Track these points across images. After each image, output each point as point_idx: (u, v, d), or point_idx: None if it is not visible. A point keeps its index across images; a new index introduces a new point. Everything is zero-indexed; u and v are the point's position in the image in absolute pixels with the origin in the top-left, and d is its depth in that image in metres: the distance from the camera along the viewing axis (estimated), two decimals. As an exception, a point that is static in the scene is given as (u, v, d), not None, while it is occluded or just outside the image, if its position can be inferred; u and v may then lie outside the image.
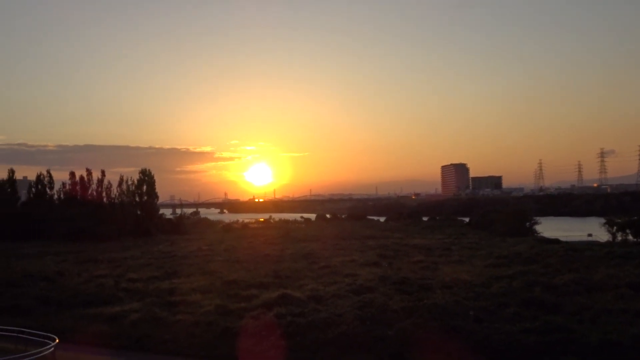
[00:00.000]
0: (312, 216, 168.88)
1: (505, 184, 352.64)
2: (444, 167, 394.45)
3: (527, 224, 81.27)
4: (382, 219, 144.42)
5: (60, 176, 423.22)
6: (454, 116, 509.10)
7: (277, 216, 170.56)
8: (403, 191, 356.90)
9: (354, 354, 19.32)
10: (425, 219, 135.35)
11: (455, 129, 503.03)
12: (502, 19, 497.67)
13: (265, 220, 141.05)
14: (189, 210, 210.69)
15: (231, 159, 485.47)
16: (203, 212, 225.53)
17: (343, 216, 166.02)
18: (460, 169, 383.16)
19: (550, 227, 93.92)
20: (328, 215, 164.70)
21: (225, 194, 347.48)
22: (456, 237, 75.51)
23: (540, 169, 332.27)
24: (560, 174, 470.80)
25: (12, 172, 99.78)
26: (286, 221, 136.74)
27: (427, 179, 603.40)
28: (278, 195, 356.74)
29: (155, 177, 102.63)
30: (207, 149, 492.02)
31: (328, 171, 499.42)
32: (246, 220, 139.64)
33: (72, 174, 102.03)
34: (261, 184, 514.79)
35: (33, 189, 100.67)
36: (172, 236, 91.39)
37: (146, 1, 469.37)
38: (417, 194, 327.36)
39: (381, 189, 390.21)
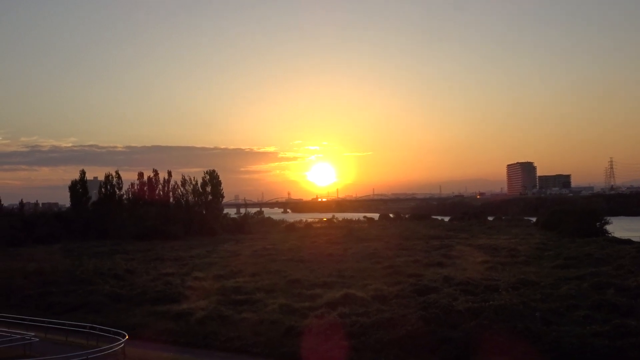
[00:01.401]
0: (375, 216, 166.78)
1: (574, 182, 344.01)
2: (509, 166, 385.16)
3: (598, 224, 78.10)
4: (446, 219, 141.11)
5: (129, 176, 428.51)
6: (521, 114, 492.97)
7: (340, 216, 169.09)
8: (468, 191, 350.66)
9: (418, 355, 18.91)
10: (490, 218, 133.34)
11: (522, 127, 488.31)
12: (573, 15, 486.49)
13: (328, 220, 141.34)
14: (253, 210, 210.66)
15: (294, 158, 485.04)
16: (266, 211, 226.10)
17: (406, 216, 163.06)
18: (526, 168, 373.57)
19: (622, 228, 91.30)
20: (391, 215, 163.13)
21: (289, 194, 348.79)
22: (523, 238, 73.47)
23: (611, 167, 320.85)
24: (632, 172, 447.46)
25: (83, 172, 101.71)
26: (349, 221, 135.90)
27: (492, 178, 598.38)
28: (341, 195, 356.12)
29: (220, 177, 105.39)
30: (271, 149, 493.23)
31: (391, 170, 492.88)
32: (309, 220, 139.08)
33: (140, 175, 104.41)
34: (324, 184, 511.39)
35: (103, 189, 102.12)
36: (236, 235, 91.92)
37: (210, 2, 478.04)
38: (481, 194, 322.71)
39: (445, 188, 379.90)
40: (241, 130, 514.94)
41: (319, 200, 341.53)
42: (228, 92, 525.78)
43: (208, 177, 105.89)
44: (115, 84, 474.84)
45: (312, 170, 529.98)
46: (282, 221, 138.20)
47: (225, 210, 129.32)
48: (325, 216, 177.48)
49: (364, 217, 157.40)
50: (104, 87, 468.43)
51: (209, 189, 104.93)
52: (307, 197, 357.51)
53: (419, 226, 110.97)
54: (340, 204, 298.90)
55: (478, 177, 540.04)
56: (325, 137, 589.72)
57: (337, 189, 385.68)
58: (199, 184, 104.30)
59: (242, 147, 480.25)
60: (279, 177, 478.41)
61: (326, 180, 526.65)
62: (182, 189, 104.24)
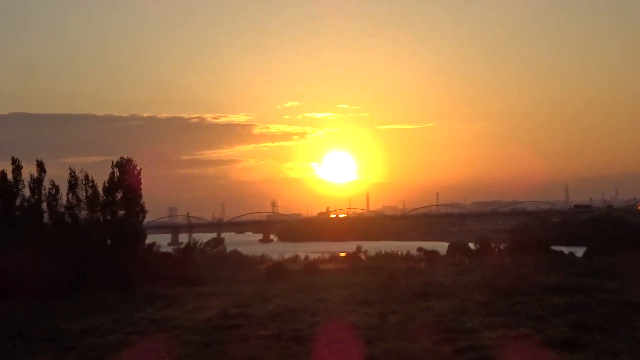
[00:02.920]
0: (442, 246, 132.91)
1: None
2: None
3: None
4: (579, 252, 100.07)
5: None
6: None
7: (372, 246, 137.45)
8: (618, 196, 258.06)
9: None
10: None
11: None
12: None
13: (351, 256, 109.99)
14: (206, 236, 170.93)
15: (285, 137, 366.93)
16: (232, 238, 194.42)
17: (501, 246, 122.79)
18: None
19: None
20: (473, 245, 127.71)
21: (274, 205, 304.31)
22: None
23: None
24: None
25: None
26: (391, 256, 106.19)
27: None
28: (374, 205, 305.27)
29: (145, 174, 73.34)
30: (241, 118, 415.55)
31: (471, 158, 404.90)
32: (313, 256, 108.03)
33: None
34: (341, 181, 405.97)
35: None
36: (172, 288, 66.07)
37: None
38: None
39: (576, 191, 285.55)
40: (184, 85, 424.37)
41: (332, 215, 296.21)
42: (160, 14, 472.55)
43: (118, 173, 74.82)
44: None
45: (319, 158, 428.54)
46: (262, 258, 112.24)
47: (152, 238, 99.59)
48: (344, 248, 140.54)
49: (420, 249, 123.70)
50: None
51: (119, 195, 73.64)
52: (309, 211, 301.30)
53: (526, 265, 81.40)
54: (373, 224, 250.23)
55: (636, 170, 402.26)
56: (344, 98, 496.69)
57: (367, 194, 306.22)
58: (100, 187, 74.49)
59: (185, 116, 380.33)
60: (257, 171, 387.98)
61: (345, 176, 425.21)
62: (68, 196, 73.42)
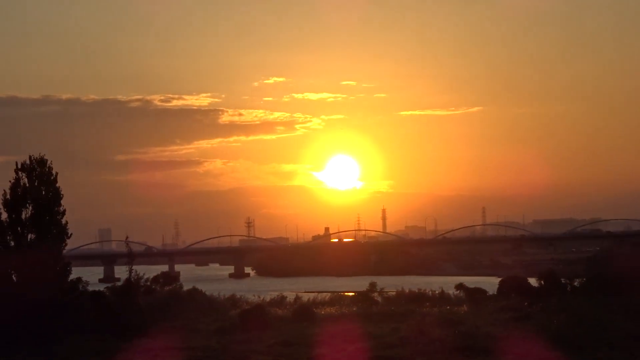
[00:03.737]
0: (489, 284, 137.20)
1: None
2: None
3: None
4: None
5: None
6: None
7: (390, 282, 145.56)
8: None
9: None
10: None
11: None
12: None
13: (362, 296, 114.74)
14: (154, 270, 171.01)
15: (266, 127, 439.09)
16: (191, 272, 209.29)
17: (577, 283, 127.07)
18: None
19: None
20: (533, 281, 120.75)
21: (250, 225, 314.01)
22: None
23: None
24: None
25: None
26: (417, 297, 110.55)
27: None
28: (393, 224, 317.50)
29: (63, 182, 78.78)
30: (202, 100, 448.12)
31: (534, 157, 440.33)
32: (306, 295, 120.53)
33: None
34: (345, 188, 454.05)
35: None
36: (105, 342, 68.74)
37: None
38: None
39: None
40: (121, 55, 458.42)
41: (333, 240, 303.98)
42: None
43: (25, 179, 79.98)
44: None
45: (314, 158, 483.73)
46: (234, 299, 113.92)
47: (78, 272, 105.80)
48: (351, 285, 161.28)
49: (460, 287, 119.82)
50: None
51: (27, 212, 78.28)
52: (300, 234, 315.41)
53: (611, 310, 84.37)
54: (392, 252, 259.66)
55: None
56: (350, 72, 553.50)
57: (383, 209, 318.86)
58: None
59: (123, 98, 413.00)
60: (226, 177, 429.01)
61: (350, 182, 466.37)
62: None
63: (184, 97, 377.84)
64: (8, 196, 71.33)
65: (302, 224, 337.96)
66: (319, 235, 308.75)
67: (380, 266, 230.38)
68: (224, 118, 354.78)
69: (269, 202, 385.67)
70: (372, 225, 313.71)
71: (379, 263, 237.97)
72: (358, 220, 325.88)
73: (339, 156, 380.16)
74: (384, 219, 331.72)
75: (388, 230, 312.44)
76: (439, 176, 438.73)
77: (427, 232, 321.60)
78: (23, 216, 70.85)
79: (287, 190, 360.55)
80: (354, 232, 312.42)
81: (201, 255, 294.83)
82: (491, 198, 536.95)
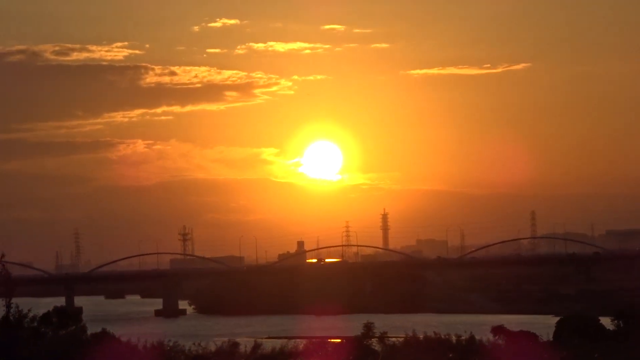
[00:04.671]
0: (545, 323, 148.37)
1: None
2: None
3: None
4: None
5: None
6: None
7: (395, 323, 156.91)
8: None
9: None
10: None
11: None
12: None
13: (354, 344, 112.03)
14: (44, 303, 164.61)
15: (211, 92, 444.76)
16: (99, 307, 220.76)
17: None
18: None
19: None
20: (610, 322, 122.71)
21: (186, 239, 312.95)
22: None
23: None
24: None
25: None
26: (438, 343, 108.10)
27: None
28: (399, 238, 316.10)
29: None
30: (116, 53, 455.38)
31: (607, 138, 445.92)
32: (268, 343, 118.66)
33: None
34: (329, 181, 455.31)
35: None
36: None
37: None
38: None
39: None
40: None
41: (310, 261, 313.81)
42: None
43: None
44: None
45: (283, 139, 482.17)
46: (161, 348, 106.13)
47: None
48: (337, 327, 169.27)
49: (496, 331, 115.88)
50: None
51: None
52: (261, 252, 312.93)
53: None
54: (396, 278, 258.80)
55: None
56: (336, 11, 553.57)
57: (384, 213, 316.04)
58: None
59: None
60: (150, 166, 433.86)
61: (334, 172, 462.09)
62: None
63: (89, 47, 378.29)
64: None
65: (265, 237, 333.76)
66: (289, 252, 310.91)
67: (380, 298, 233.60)
68: (149, 79, 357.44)
69: (215, 204, 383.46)
70: (368, 238, 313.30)
71: (377, 294, 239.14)
72: (347, 231, 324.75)
73: (320, 136, 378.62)
74: (385, 228, 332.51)
75: (391, 246, 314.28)
76: (467, 166, 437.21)
77: (450, 248, 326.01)
78: None
79: (242, 186, 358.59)
80: (340, 248, 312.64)
81: (114, 282, 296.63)
82: (545, 198, 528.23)
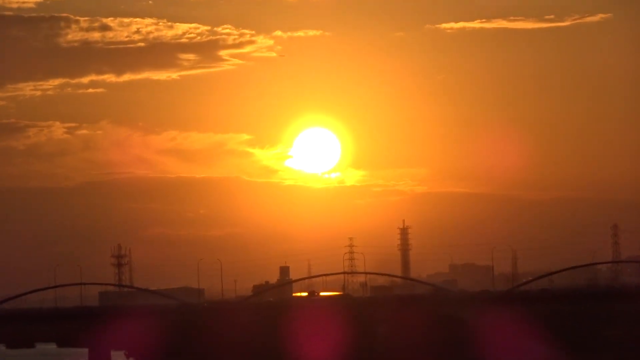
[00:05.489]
0: None
1: None
2: None
3: None
4: None
5: None
6: None
7: None
8: None
9: None
10: None
11: None
12: None
13: None
14: None
15: (161, 54, 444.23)
16: None
17: None
18: None
19: None
20: None
21: (121, 258, 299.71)
22: None
23: None
24: None
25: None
26: None
27: None
28: (424, 261, 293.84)
29: None
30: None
31: None
32: None
33: None
34: (326, 179, 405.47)
35: None
36: None
37: None
38: None
39: None
40: None
41: (299, 294, 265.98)
42: None
43: None
44: None
45: (262, 120, 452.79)
46: None
47: None
48: None
49: None
50: None
51: None
52: (231, 281, 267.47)
53: None
54: (422, 316, 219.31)
55: None
56: None
57: (405, 227, 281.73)
58: None
59: None
60: (76, 159, 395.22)
61: (327, 167, 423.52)
62: None
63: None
64: None
65: (235, 260, 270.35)
66: (268, 283, 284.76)
67: (397, 348, 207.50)
68: (71, 36, 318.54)
69: (164, 214, 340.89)
70: (381, 262, 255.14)
71: (393, 341, 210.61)
72: (350, 251, 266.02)
73: (313, 119, 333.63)
74: (404, 248, 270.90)
75: (413, 274, 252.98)
76: (523, 159, 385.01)
77: (497, 277, 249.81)
78: None
79: (202, 188, 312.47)
80: (342, 276, 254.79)
81: (19, 324, 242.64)
82: (634, 204, 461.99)
